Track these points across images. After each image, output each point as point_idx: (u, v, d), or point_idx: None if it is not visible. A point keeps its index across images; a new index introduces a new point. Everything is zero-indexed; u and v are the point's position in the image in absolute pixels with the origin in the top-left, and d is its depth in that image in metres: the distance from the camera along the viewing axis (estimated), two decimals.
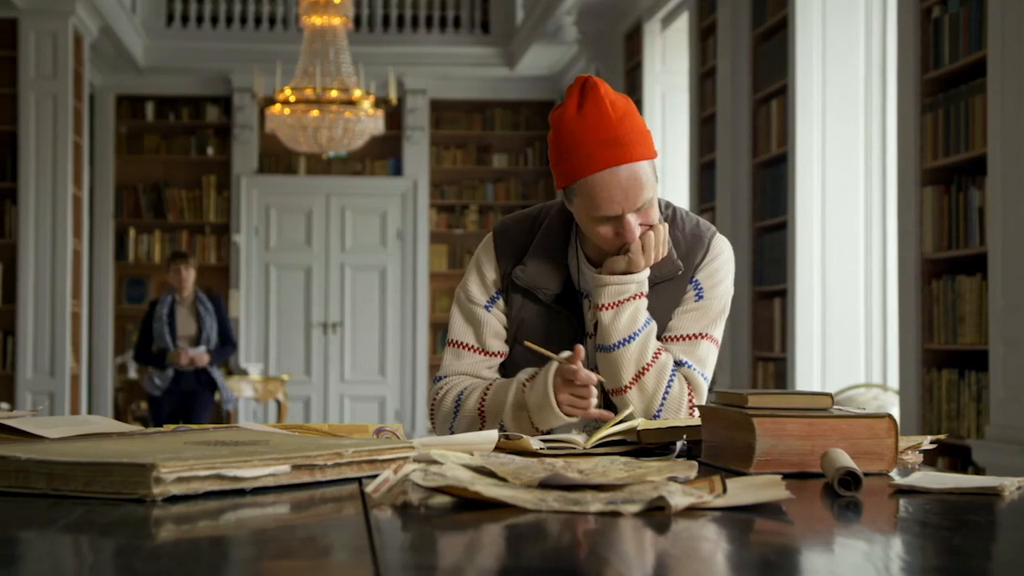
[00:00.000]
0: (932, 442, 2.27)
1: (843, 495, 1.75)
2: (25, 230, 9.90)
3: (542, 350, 2.66)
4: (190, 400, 9.24)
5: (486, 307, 2.90)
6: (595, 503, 1.59)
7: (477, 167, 13.73)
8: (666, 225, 2.78)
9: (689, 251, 2.84)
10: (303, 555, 1.37)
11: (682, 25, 9.44)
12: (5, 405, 8.89)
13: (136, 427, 2.32)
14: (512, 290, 2.88)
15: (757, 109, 7.83)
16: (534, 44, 12.03)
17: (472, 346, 2.90)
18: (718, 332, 2.85)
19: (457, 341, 2.92)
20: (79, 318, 10.40)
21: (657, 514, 1.57)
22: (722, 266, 2.86)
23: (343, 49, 10.03)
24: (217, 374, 9.45)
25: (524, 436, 2.29)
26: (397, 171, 13.59)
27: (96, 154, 12.94)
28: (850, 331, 7.18)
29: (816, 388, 7.10)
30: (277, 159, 13.39)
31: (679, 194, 9.42)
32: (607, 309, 2.75)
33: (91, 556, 1.39)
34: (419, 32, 13.00)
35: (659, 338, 2.81)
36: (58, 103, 9.99)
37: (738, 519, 1.57)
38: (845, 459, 1.80)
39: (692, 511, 1.59)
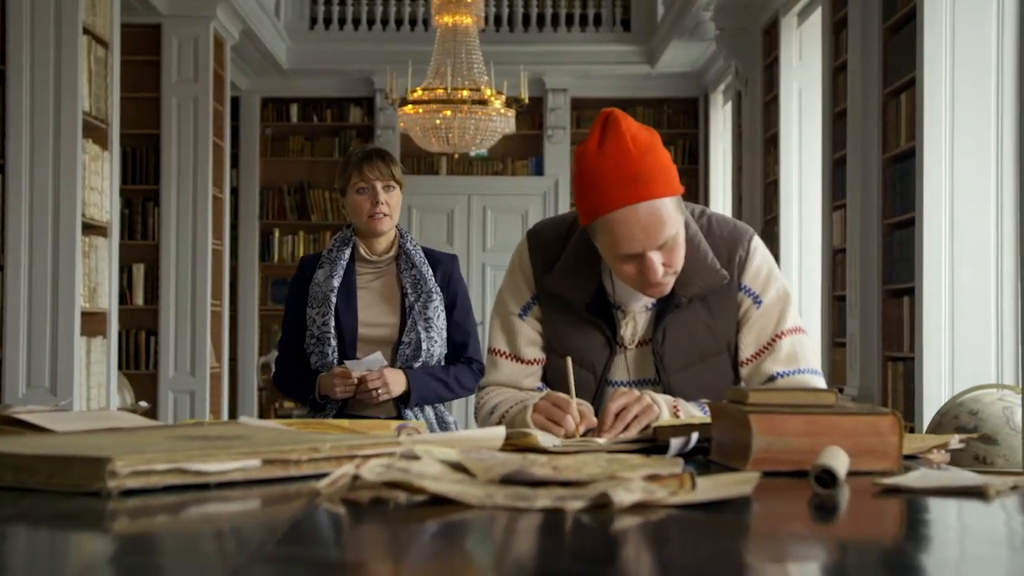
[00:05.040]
0: (961, 441, 2.17)
1: (819, 493, 1.68)
2: (167, 231, 10.05)
3: (570, 374, 2.59)
4: None
5: (520, 315, 2.85)
6: (543, 499, 1.54)
7: None
8: None
9: (730, 256, 2.77)
10: (197, 549, 1.34)
11: (817, 19, 9.28)
12: (144, 404, 9.04)
13: (153, 422, 2.32)
14: (545, 297, 2.82)
15: (887, 103, 7.65)
16: (674, 41, 11.92)
17: (508, 354, 2.86)
18: (795, 321, 2.77)
19: (495, 349, 2.89)
20: (220, 317, 10.54)
21: (602, 511, 1.51)
22: (763, 261, 2.78)
23: (474, 48, 10.03)
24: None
25: (533, 432, 2.24)
26: (538, 170, 13.57)
27: (241, 156, 13.14)
28: (980, 330, 6.96)
29: (944, 388, 6.91)
30: (419, 159, 13.45)
31: (813, 192, 9.26)
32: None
33: (16, 547, 1.38)
34: (559, 31, 12.97)
35: (741, 361, 2.77)
36: (199, 106, 10.13)
37: (686, 517, 1.51)
38: (830, 457, 1.72)
39: (644, 508, 1.53)
